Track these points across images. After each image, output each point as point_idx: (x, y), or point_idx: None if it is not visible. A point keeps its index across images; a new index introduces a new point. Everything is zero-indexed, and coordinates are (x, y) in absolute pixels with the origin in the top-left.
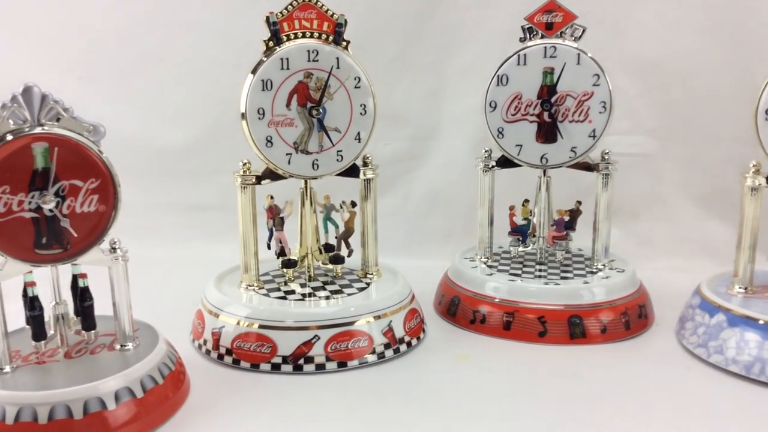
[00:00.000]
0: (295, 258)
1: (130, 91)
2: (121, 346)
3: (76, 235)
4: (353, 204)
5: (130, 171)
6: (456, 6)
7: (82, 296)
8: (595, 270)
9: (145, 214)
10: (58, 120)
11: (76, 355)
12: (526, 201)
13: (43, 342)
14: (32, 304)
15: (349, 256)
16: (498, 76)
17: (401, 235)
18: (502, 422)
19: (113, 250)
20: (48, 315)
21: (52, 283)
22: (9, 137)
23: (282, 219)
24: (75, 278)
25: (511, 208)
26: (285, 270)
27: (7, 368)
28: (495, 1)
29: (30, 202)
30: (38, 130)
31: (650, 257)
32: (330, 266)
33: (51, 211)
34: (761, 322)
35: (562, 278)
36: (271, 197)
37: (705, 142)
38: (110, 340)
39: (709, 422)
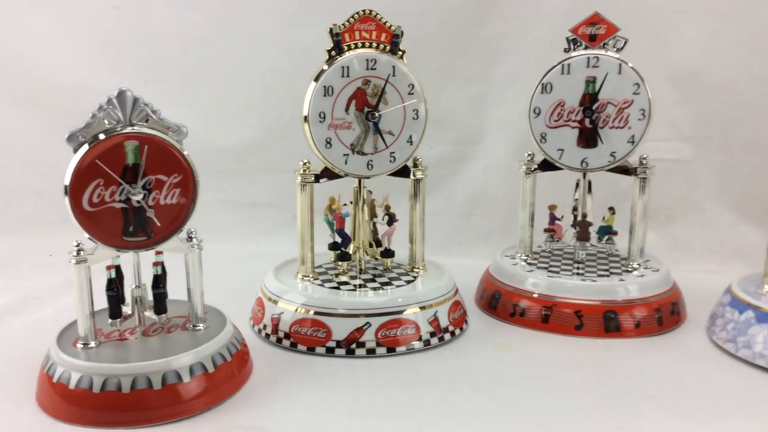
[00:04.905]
0: (349, 251)
1: (193, 94)
2: (193, 326)
3: (159, 224)
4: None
5: None
6: (501, 18)
7: (155, 283)
8: (630, 269)
9: (202, 210)
10: (146, 121)
11: (153, 333)
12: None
13: (118, 320)
14: (109, 285)
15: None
16: (542, 84)
17: (444, 234)
18: (543, 407)
19: (190, 239)
20: (128, 296)
21: (133, 268)
22: (102, 136)
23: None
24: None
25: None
26: (339, 263)
27: (92, 343)
28: (537, 14)
29: (120, 194)
30: (129, 129)
31: (685, 260)
32: (380, 259)
33: (138, 202)
34: None
35: (599, 276)
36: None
37: (741, 150)
38: (182, 321)
39: (735, 411)
